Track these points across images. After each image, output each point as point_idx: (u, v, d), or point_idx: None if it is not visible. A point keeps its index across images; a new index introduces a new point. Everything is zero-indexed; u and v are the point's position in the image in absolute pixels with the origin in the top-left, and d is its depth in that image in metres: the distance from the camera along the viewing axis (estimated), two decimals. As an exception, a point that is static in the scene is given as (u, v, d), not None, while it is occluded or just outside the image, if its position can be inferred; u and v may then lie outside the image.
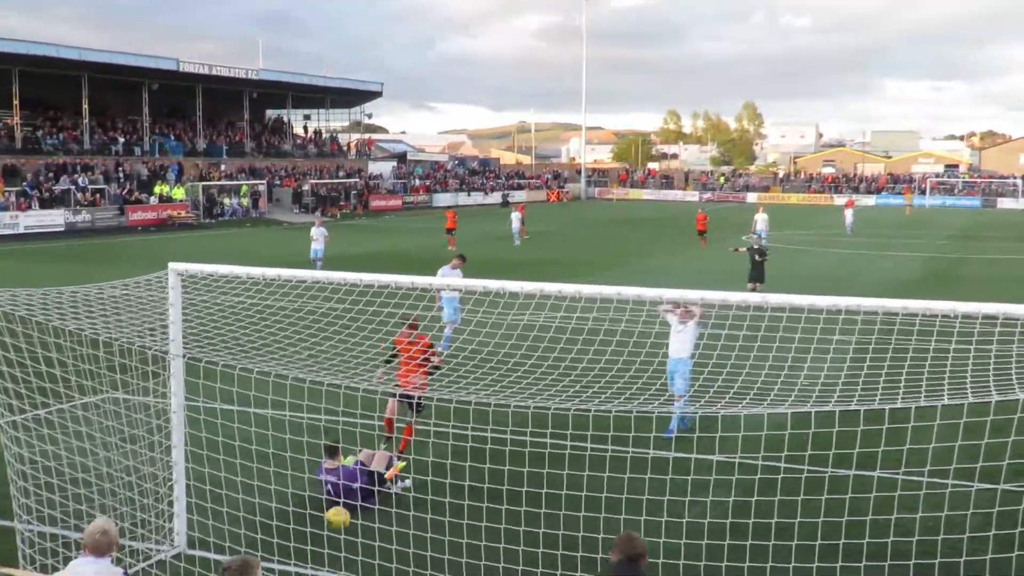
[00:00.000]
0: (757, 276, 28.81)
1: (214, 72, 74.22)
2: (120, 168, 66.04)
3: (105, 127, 70.64)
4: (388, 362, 12.73)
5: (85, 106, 67.45)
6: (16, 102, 63.86)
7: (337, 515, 10.95)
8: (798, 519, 9.38)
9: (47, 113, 68.29)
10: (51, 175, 61.16)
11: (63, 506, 10.19)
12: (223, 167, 73.44)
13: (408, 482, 11.99)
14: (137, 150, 70.41)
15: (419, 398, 12.90)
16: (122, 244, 49.78)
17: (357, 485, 11.22)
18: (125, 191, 63.36)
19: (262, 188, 72.49)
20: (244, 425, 10.41)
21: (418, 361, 12.55)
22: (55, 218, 56.94)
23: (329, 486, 11.48)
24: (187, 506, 10.37)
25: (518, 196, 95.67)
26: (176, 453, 10.32)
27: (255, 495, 10.27)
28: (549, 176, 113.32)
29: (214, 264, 10.78)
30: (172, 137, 74.56)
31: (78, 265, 37.39)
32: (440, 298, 19.03)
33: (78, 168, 63.06)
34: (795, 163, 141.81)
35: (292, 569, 9.60)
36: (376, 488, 11.93)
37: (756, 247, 29.59)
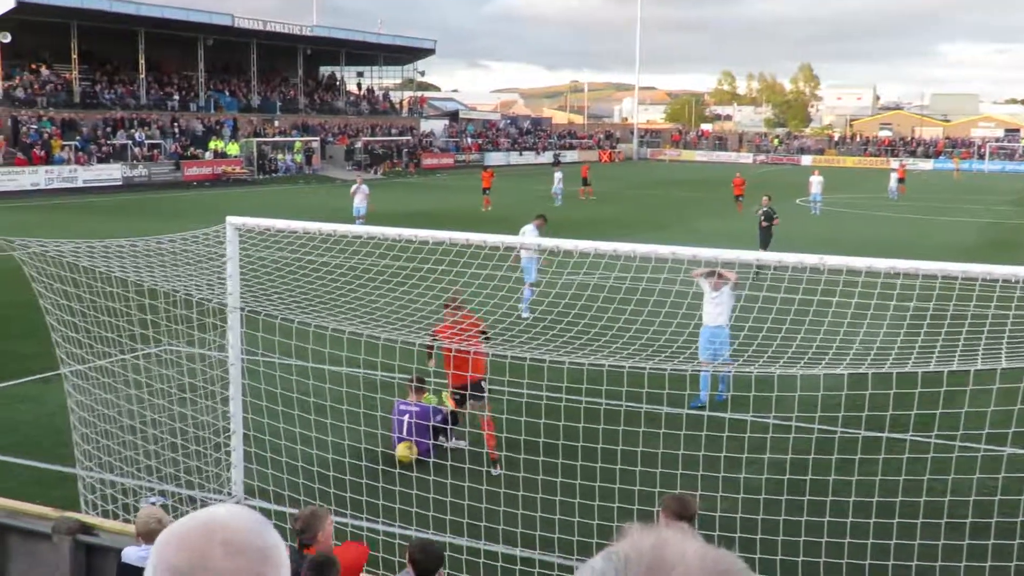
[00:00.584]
0: (763, 241, 27.37)
1: (268, 28, 74.43)
2: (176, 123, 66.61)
3: (161, 82, 71.19)
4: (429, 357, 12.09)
5: (141, 61, 67.94)
6: (75, 56, 64.50)
7: (405, 449, 11.28)
8: (855, 476, 9.34)
9: (104, 68, 68.92)
10: (108, 130, 61.85)
11: (121, 454, 10.38)
12: (277, 123, 73.80)
13: (464, 443, 12.11)
14: (192, 106, 70.93)
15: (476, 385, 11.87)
16: (178, 199, 50.32)
17: (430, 424, 11.59)
18: (181, 146, 63.94)
19: (315, 145, 72.79)
20: (301, 378, 10.52)
21: (469, 345, 11.48)
22: (113, 172, 57.61)
23: (405, 417, 11.84)
24: (244, 456, 10.52)
25: (569, 156, 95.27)
26: (234, 405, 10.46)
27: (312, 447, 10.40)
28: (601, 136, 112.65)
29: (271, 219, 10.88)
30: (227, 93, 74.98)
31: (135, 219, 37.87)
32: (520, 258, 18.88)
33: (135, 123, 63.71)
34: (851, 126, 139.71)
35: (347, 520, 9.72)
36: (449, 427, 12.29)
37: (764, 210, 28.29)
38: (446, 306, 11.67)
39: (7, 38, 59.98)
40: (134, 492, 10.18)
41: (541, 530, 9.04)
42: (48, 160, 55.60)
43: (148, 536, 7.16)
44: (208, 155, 64.63)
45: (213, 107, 72.15)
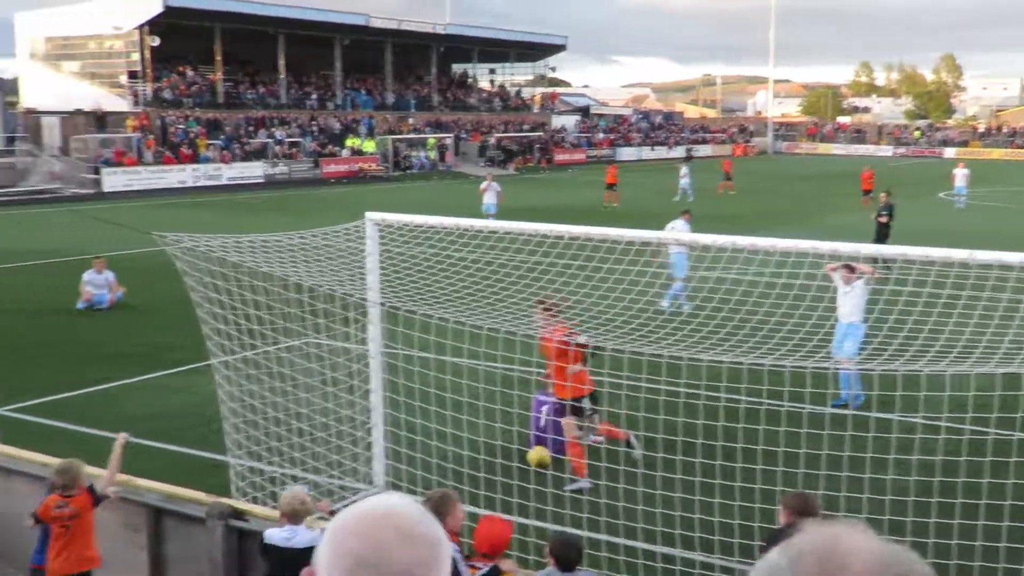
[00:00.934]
0: (878, 237, 25.50)
1: (403, 27, 75.62)
2: (314, 122, 68.25)
3: (300, 82, 73.04)
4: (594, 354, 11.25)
5: (281, 62, 69.82)
6: (218, 58, 66.68)
7: (538, 453, 11.28)
8: (1012, 480, 9.00)
9: (246, 69, 71.04)
10: (251, 128, 63.77)
11: (268, 444, 10.70)
12: (411, 121, 74.90)
13: (601, 439, 12.07)
14: (330, 104, 72.56)
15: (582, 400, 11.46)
16: (316, 195, 51.53)
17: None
18: (319, 144, 65.49)
19: (448, 142, 73.63)
20: (439, 373, 10.67)
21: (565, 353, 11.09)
22: (255, 170, 59.39)
23: (544, 409, 11.80)
24: (384, 450, 10.72)
25: (702, 150, 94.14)
26: (374, 398, 10.68)
27: (448, 442, 10.54)
28: (735, 130, 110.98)
29: (407, 214, 11.06)
30: (363, 91, 76.45)
31: (277, 215, 38.93)
32: (668, 253, 18.69)
33: (275, 122, 65.53)
34: (997, 117, 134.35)
35: (484, 515, 9.83)
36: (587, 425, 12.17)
37: (882, 206, 26.76)
38: (540, 303, 10.92)
39: (156, 42, 62.41)
40: (280, 480, 10.48)
41: (681, 528, 8.97)
42: (195, 159, 57.67)
43: (292, 517, 7.39)
44: (345, 152, 66.02)
45: (350, 105, 73.66)
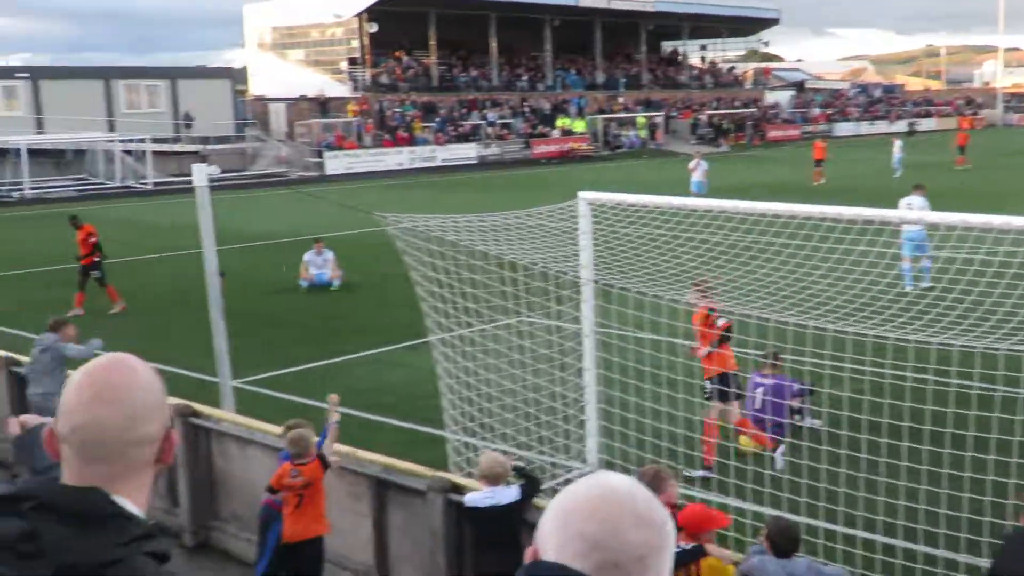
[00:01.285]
0: None
1: (612, 6, 75.38)
2: (525, 103, 69.02)
3: (512, 64, 73.97)
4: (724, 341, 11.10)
5: (493, 45, 70.90)
6: (432, 43, 68.32)
7: (749, 440, 11.10)
8: None
9: (459, 52, 72.49)
10: (464, 111, 65.10)
11: (483, 420, 10.92)
12: (621, 100, 74.68)
13: (818, 422, 11.76)
14: (540, 86, 73.20)
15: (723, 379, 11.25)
16: (527, 175, 52.13)
17: (786, 402, 11.30)
18: (530, 125, 66.20)
19: (659, 120, 73.03)
20: (653, 351, 10.60)
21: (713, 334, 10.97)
22: (468, 151, 60.66)
23: (759, 392, 11.60)
24: (597, 428, 10.75)
25: (926, 124, 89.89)
26: (587, 376, 10.71)
27: (662, 421, 10.46)
28: (960, 102, 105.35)
29: (619, 193, 11.01)
30: (573, 72, 76.73)
31: (489, 194, 39.62)
32: (903, 231, 17.90)
33: (487, 104, 66.64)
34: None
35: (696, 494, 9.73)
36: (802, 406, 11.90)
37: None
38: (695, 286, 10.83)
39: (374, 28, 64.50)
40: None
41: (904, 519, 8.62)
42: (411, 141, 59.37)
43: (493, 479, 7.52)
44: (555, 133, 66.50)
45: (560, 86, 74.09)
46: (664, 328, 10.26)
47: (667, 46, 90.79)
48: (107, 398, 2.12)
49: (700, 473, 10.75)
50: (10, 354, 12.46)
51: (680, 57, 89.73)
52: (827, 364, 9.83)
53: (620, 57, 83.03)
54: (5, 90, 55.50)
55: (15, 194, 44.89)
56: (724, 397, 11.27)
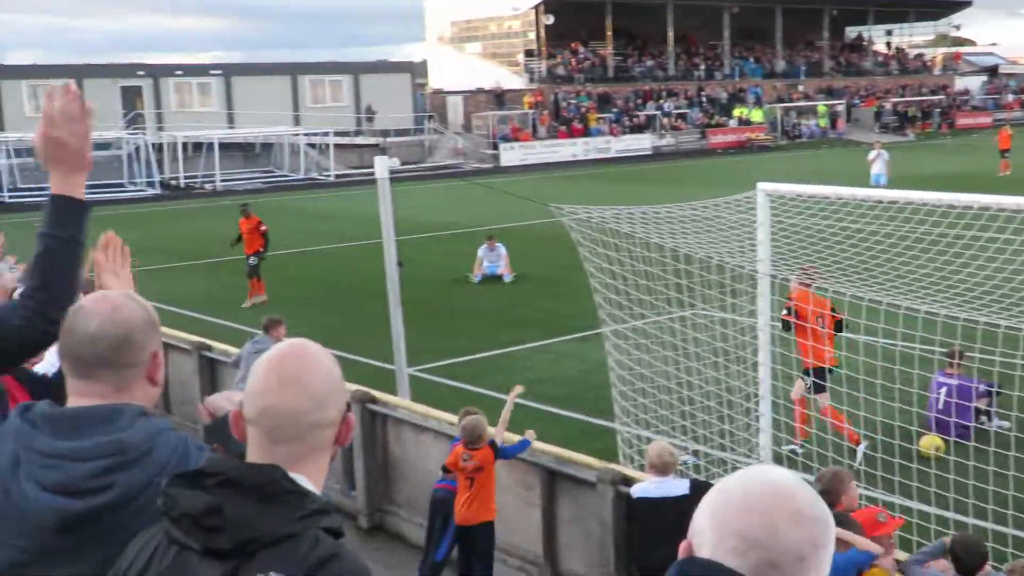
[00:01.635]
0: None
1: (794, -9, 73.56)
2: (701, 93, 68.10)
3: (688, 53, 73.10)
4: (786, 329, 11.10)
5: (670, 34, 70.20)
6: (608, 33, 68.14)
7: (931, 442, 10.66)
8: None
9: (635, 42, 72.07)
10: (639, 101, 64.73)
11: (656, 412, 10.83)
12: (801, 88, 72.82)
13: (1007, 424, 11.20)
14: (717, 75, 72.08)
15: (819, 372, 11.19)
16: (702, 166, 51.45)
17: (972, 404, 10.86)
18: (706, 115, 65.31)
19: (840, 108, 70.87)
20: (834, 348, 10.31)
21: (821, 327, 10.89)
22: (642, 142, 60.31)
23: (942, 392, 11.16)
24: (772, 423, 10.52)
25: None
26: (763, 370, 10.48)
27: (845, 420, 10.17)
28: None
29: (798, 184, 10.71)
30: (751, 60, 75.25)
31: (664, 186, 39.29)
32: None
33: (663, 94, 66.08)
34: None
35: (879, 496, 9.41)
36: (989, 408, 11.36)
37: None
38: (803, 270, 10.88)
39: (550, 20, 64.79)
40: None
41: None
42: (585, 132, 59.41)
43: (662, 469, 7.42)
44: (732, 122, 65.39)
45: (738, 75, 72.78)
46: (845, 324, 9.94)
47: (851, 32, 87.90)
48: (292, 382, 2.24)
49: (859, 454, 10.82)
50: (202, 339, 13.05)
51: (865, 43, 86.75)
52: (1019, 364, 9.33)
53: (801, 44, 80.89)
54: (200, 87, 58.23)
55: (207, 185, 47.08)
56: (819, 390, 11.27)
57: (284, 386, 2.24)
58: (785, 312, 11.10)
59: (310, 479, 2.23)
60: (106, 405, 2.59)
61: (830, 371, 11.22)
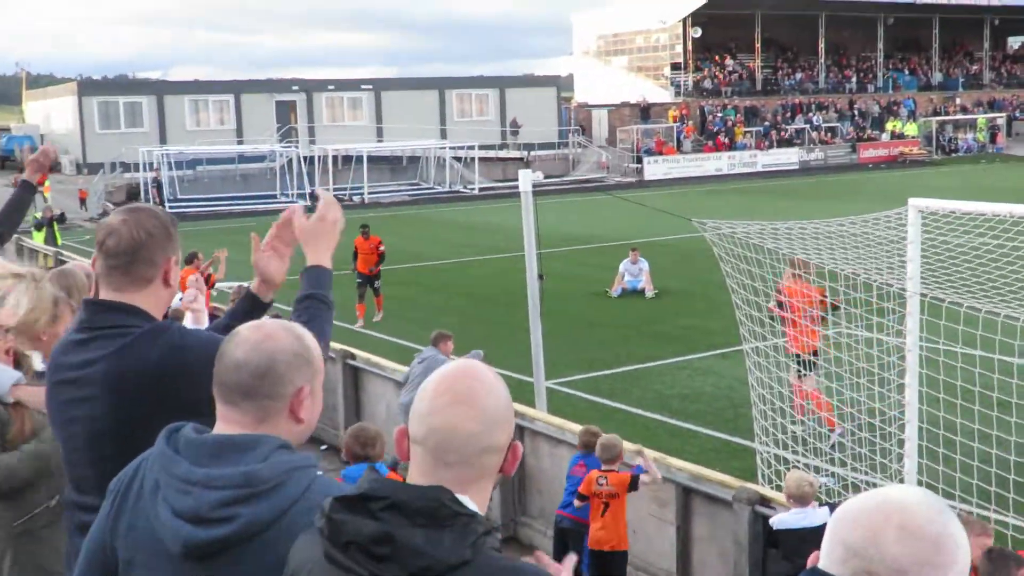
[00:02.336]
0: None
1: (952, 0, 71.09)
2: (853, 106, 66.44)
3: (840, 65, 71.44)
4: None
5: (821, 45, 68.75)
6: (757, 45, 67.16)
7: None
8: None
9: (785, 54, 70.84)
10: (787, 115, 63.56)
11: (795, 433, 10.61)
12: (958, 100, 70.34)
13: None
14: (870, 87, 70.24)
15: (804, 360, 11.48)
16: (852, 181, 50.17)
17: None
18: (857, 128, 63.70)
19: (1000, 122, 68.14)
20: (984, 371, 9.90)
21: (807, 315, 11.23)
22: (790, 156, 59.17)
23: None
24: (917, 448, 10.18)
25: None
26: (909, 392, 10.14)
27: (991, 445, 9.76)
28: None
29: (953, 200, 10.35)
30: (906, 72, 73.09)
31: (812, 201, 38.46)
32: None
33: (812, 107, 64.72)
34: None
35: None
36: None
37: None
38: (791, 265, 11.38)
39: (698, 33, 64.28)
40: (806, 471, 10.34)
41: None
42: (731, 146, 58.67)
43: (801, 499, 7.26)
44: (884, 136, 63.61)
45: (891, 87, 70.78)
46: (996, 345, 9.55)
47: (1013, 41, 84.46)
48: (464, 403, 2.19)
49: (834, 438, 11.13)
50: (346, 347, 13.36)
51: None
52: None
53: (959, 55, 78.14)
54: (351, 101, 59.78)
55: (356, 197, 48.22)
56: (807, 369, 11.67)
57: (456, 406, 2.18)
58: (774, 305, 11.61)
59: (475, 503, 2.17)
60: (246, 435, 2.54)
61: (814, 355, 11.65)
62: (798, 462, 10.46)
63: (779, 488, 9.78)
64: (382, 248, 20.82)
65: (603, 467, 8.08)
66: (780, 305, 11.52)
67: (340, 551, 2.11)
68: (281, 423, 2.59)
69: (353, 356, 12.97)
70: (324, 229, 3.53)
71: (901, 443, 10.21)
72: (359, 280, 20.36)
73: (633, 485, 8.03)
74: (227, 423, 2.58)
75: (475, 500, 2.17)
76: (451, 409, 2.17)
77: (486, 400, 2.20)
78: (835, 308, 11.47)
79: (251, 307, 3.61)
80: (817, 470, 10.24)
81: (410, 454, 2.23)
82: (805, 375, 11.73)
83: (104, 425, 2.99)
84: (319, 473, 2.55)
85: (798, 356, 11.62)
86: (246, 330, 2.64)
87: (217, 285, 16.79)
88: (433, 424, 2.18)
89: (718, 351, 16.13)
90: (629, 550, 8.31)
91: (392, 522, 2.07)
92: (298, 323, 3.12)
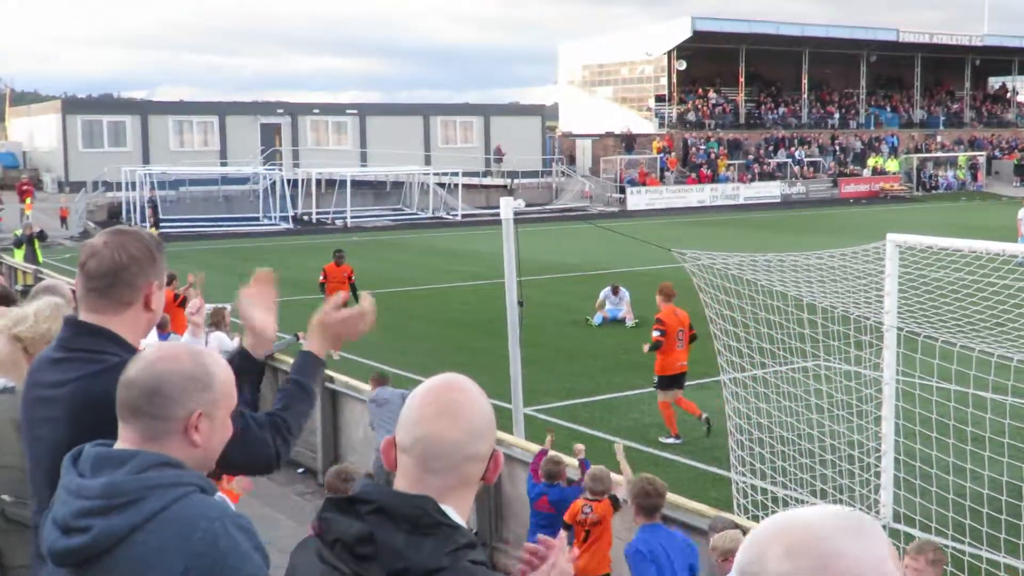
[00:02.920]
0: None
1: (934, 40, 71.86)
2: (835, 141, 66.98)
3: (823, 101, 72.03)
4: (655, 349, 13.86)
5: (804, 81, 69.32)
6: (741, 79, 67.68)
7: None
8: None
9: (768, 89, 71.37)
10: (770, 149, 64.00)
11: (772, 462, 10.65)
12: (939, 138, 70.99)
13: None
14: (852, 123, 70.82)
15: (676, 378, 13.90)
16: (833, 216, 50.51)
17: None
18: (838, 164, 64.18)
19: (980, 160, 68.81)
20: (959, 405, 9.98)
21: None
22: (772, 190, 59.54)
23: None
24: (894, 480, 10.24)
25: None
26: (886, 425, 10.23)
27: (966, 478, 9.84)
28: None
29: (931, 236, 10.47)
30: (888, 109, 73.76)
31: (791, 235, 38.69)
32: None
33: (795, 142, 65.20)
34: None
35: (1000, 559, 9.06)
36: None
37: None
38: (660, 292, 13.90)
39: (682, 66, 64.76)
40: (784, 501, 10.39)
41: None
42: (713, 179, 58.99)
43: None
44: (866, 172, 64.11)
45: (873, 123, 71.39)
46: (971, 380, 9.63)
47: (994, 82, 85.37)
48: (449, 413, 2.29)
49: (670, 440, 13.55)
50: (325, 372, 13.31)
51: (1009, 93, 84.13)
52: None
53: (941, 93, 78.93)
54: (336, 125, 59.85)
55: (338, 221, 48.20)
56: (667, 387, 13.91)
57: (442, 416, 2.28)
58: (657, 334, 13.68)
59: (457, 512, 2.26)
60: (124, 450, 2.54)
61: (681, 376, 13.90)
62: (776, 492, 10.50)
63: (755, 519, 9.82)
64: (353, 279, 20.63)
65: (588, 497, 8.07)
66: (662, 332, 13.63)
67: (328, 549, 2.20)
68: (174, 445, 2.57)
69: (332, 379, 12.95)
70: (348, 328, 3.62)
71: (879, 475, 10.29)
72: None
73: (615, 506, 8.04)
74: (120, 440, 2.60)
75: (457, 508, 2.27)
76: (437, 419, 2.28)
77: (470, 411, 2.31)
78: (693, 339, 13.78)
79: (240, 364, 3.39)
80: (798, 501, 10.27)
81: (397, 463, 2.31)
82: (665, 395, 13.87)
83: (64, 450, 3.01)
84: (200, 494, 2.50)
85: (664, 377, 13.82)
86: (149, 350, 2.69)
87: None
88: (419, 433, 2.28)
89: (696, 381, 16.17)
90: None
91: (377, 525, 2.16)
92: (276, 407, 3.35)
